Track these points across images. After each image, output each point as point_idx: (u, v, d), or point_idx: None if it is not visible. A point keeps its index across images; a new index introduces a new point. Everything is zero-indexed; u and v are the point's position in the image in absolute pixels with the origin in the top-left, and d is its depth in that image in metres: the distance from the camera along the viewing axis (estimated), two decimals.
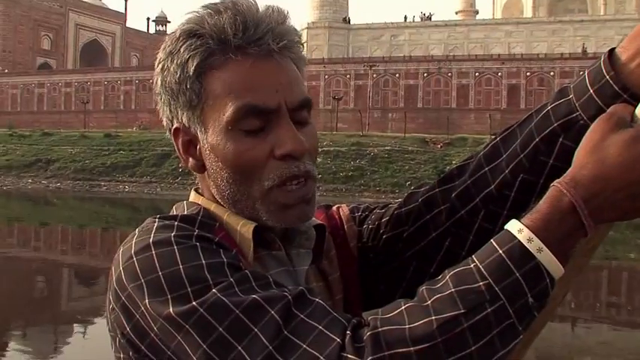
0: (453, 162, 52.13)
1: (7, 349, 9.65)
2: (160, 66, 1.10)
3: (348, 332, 0.88)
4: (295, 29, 1.13)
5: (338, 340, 0.88)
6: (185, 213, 1.10)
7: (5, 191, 48.10)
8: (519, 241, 0.89)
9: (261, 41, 1.07)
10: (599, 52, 77.12)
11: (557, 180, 0.92)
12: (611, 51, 1.02)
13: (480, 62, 73.61)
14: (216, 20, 1.06)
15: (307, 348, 0.88)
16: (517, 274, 0.87)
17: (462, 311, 0.86)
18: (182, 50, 1.07)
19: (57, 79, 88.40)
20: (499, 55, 77.87)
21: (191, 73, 1.06)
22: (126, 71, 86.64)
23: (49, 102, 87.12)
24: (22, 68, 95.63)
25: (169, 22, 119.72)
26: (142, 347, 0.98)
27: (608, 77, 1.00)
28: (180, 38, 1.08)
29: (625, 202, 0.90)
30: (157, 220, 1.05)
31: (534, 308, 0.89)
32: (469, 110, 71.14)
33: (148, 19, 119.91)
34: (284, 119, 1.07)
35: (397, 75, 74.58)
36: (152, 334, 0.96)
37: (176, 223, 1.03)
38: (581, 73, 1.06)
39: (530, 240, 0.88)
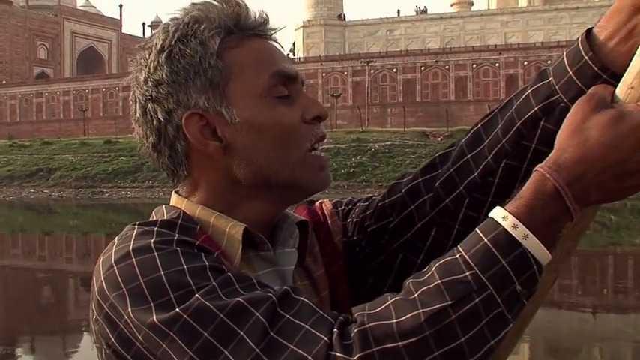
0: None
1: (16, 358, 9.66)
2: (167, 53, 1.06)
3: (335, 330, 0.87)
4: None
5: (325, 338, 0.86)
6: (165, 218, 1.07)
7: (8, 202, 48.14)
8: (504, 228, 0.87)
9: (263, 27, 1.11)
10: None
11: (540, 165, 0.90)
12: (589, 31, 1.01)
13: (477, 53, 73.72)
14: (222, 8, 1.08)
15: (295, 348, 0.86)
16: (503, 262, 0.86)
17: (450, 302, 0.85)
18: (199, 32, 1.06)
19: (55, 87, 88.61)
20: (496, 45, 78.04)
21: (215, 51, 1.05)
22: (123, 77, 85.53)
23: (48, 111, 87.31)
24: (20, 78, 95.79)
25: None
26: (128, 357, 0.96)
27: (587, 58, 0.99)
28: (191, 23, 1.06)
29: (609, 184, 0.89)
30: (136, 226, 1.03)
31: (523, 296, 0.87)
32: (468, 102, 71.22)
33: (144, 24, 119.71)
34: (302, 88, 1.12)
35: (394, 70, 74.68)
36: (137, 343, 0.94)
37: (155, 228, 1.01)
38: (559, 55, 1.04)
39: (515, 227, 0.87)
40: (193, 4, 1.10)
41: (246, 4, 1.10)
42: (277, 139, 1.07)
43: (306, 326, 0.88)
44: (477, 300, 0.85)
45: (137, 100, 1.09)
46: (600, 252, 17.92)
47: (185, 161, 1.09)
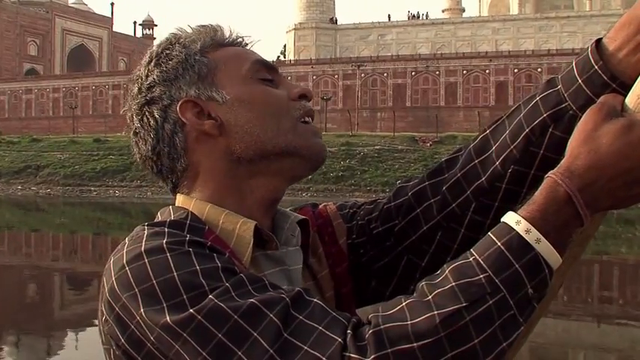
0: (443, 160, 52.13)
1: (0, 356, 9.62)
2: (155, 61, 1.15)
3: (349, 331, 0.88)
4: None
5: (339, 339, 0.87)
6: (172, 218, 1.08)
7: None
8: (517, 232, 0.89)
9: (240, 42, 1.21)
10: (585, 47, 77.29)
11: (552, 171, 0.92)
12: (599, 41, 1.04)
13: (467, 60, 73.89)
14: (199, 30, 1.19)
15: (309, 349, 0.87)
16: (516, 266, 0.88)
17: (464, 305, 0.86)
18: (180, 40, 1.16)
19: (45, 84, 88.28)
20: (486, 52, 78.24)
21: (198, 49, 1.15)
22: (114, 75, 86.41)
23: (37, 108, 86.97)
24: (9, 74, 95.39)
25: (156, 25, 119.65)
26: (139, 358, 0.97)
27: (596, 67, 1.02)
28: (172, 38, 1.18)
29: (619, 191, 0.91)
30: (146, 227, 1.04)
31: (534, 299, 0.89)
32: (458, 108, 71.37)
33: (135, 22, 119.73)
34: (284, 77, 1.21)
35: (385, 74, 74.75)
36: (149, 344, 0.95)
37: (166, 229, 1.02)
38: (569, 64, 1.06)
39: (528, 231, 0.89)
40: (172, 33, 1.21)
41: (220, 26, 1.20)
42: (267, 110, 1.14)
43: (320, 327, 0.89)
44: (491, 302, 0.86)
45: (133, 112, 1.16)
46: (587, 261, 17.98)
47: (183, 153, 1.13)
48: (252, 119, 1.13)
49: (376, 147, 55.40)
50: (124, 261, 0.98)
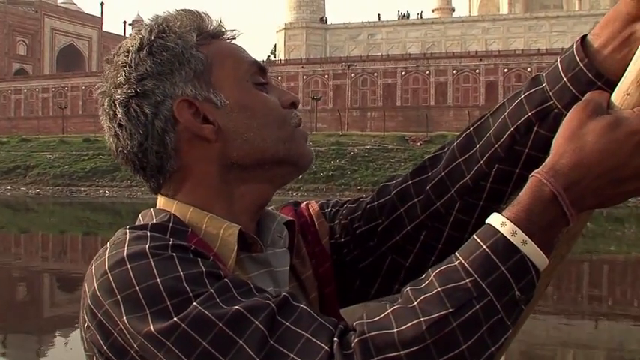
0: None
1: None
2: (148, 49, 1.08)
3: (335, 339, 0.87)
4: None
5: (326, 347, 0.86)
6: (154, 221, 1.05)
7: None
8: (503, 234, 0.88)
9: (225, 32, 1.16)
10: None
11: (537, 170, 0.91)
12: (584, 38, 1.02)
13: (457, 59, 74.01)
14: (186, 16, 1.13)
15: (295, 357, 0.86)
16: (503, 269, 0.86)
17: (450, 310, 0.85)
18: (174, 28, 1.10)
19: (34, 84, 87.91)
20: (476, 52, 78.41)
21: (194, 42, 1.09)
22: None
23: (27, 108, 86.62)
24: None
25: None
26: None
27: (581, 65, 1.00)
28: (164, 23, 1.11)
29: (606, 189, 0.90)
30: (128, 231, 1.01)
31: (521, 301, 0.88)
32: (448, 107, 71.47)
33: (125, 22, 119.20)
34: (272, 81, 1.17)
35: (375, 74, 74.78)
36: (132, 352, 0.93)
37: (149, 233, 0.99)
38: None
39: (513, 233, 0.87)
40: (157, 15, 1.14)
41: (206, 14, 1.15)
42: (267, 117, 1.10)
43: (307, 334, 0.87)
44: (478, 307, 0.85)
45: (116, 102, 1.08)
46: (576, 259, 18.03)
47: (174, 154, 1.08)
48: (253, 127, 1.09)
49: (366, 147, 55.44)
50: (106, 266, 0.95)
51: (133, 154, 1.10)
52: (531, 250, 0.87)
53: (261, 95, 1.12)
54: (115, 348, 0.95)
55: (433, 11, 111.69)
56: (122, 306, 0.92)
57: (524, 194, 0.90)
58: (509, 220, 0.88)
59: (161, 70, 1.07)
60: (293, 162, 1.13)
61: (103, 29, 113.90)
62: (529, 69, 69.50)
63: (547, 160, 0.91)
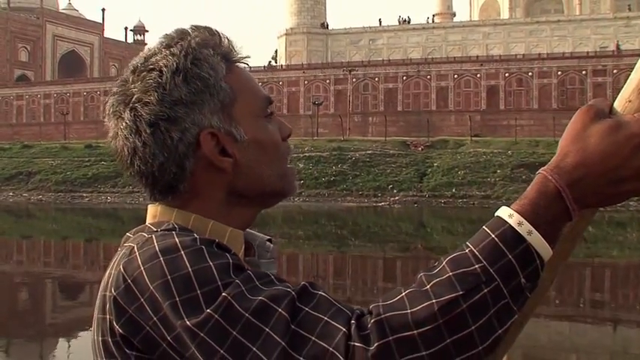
0: (435, 164, 52.30)
1: None
2: (183, 74, 1.12)
3: (352, 322, 0.92)
4: None
5: (344, 329, 0.92)
6: (162, 228, 1.10)
7: None
8: (510, 225, 0.94)
9: (237, 53, 1.21)
10: (576, 51, 77.61)
11: (543, 168, 0.97)
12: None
13: (458, 64, 73.93)
14: (211, 36, 1.18)
15: (316, 340, 0.92)
16: (510, 256, 0.92)
17: (461, 293, 0.91)
18: (209, 56, 1.14)
19: (36, 90, 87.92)
20: (477, 56, 78.29)
21: (223, 76, 1.15)
22: (105, 81, 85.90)
23: (29, 114, 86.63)
24: (0, 81, 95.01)
25: (147, 31, 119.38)
26: (154, 358, 1.02)
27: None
28: (200, 46, 1.15)
29: (606, 188, 0.95)
30: (150, 233, 1.08)
31: (527, 288, 0.94)
32: (449, 112, 71.39)
33: (126, 28, 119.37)
34: (274, 112, 1.24)
35: (376, 79, 74.75)
36: (164, 345, 0.99)
37: (173, 232, 1.06)
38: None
39: (520, 224, 0.94)
40: (182, 31, 1.18)
41: (224, 35, 1.21)
42: (275, 154, 1.19)
43: (326, 318, 0.94)
44: (486, 291, 0.91)
45: (142, 119, 1.11)
46: (579, 264, 18.02)
47: (189, 177, 1.14)
48: (262, 162, 1.17)
49: (368, 152, 55.40)
50: (139, 262, 1.01)
51: (150, 172, 1.14)
52: (536, 240, 0.93)
53: (271, 131, 1.19)
54: (146, 342, 1.00)
55: (434, 16, 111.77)
56: (158, 298, 0.98)
57: (530, 189, 0.97)
58: (517, 212, 0.95)
59: (194, 100, 1.12)
60: (284, 194, 1.22)
61: (105, 35, 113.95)
62: (530, 73, 69.54)
63: (553, 159, 0.97)
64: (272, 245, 1.28)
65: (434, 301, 0.91)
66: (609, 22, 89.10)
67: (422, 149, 56.11)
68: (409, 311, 0.91)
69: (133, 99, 1.12)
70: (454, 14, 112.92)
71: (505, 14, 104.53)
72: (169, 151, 1.12)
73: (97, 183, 54.97)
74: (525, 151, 52.19)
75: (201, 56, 1.14)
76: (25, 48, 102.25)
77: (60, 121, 77.51)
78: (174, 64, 1.12)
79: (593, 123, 0.96)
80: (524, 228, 0.93)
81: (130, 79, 1.14)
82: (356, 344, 0.90)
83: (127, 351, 1.03)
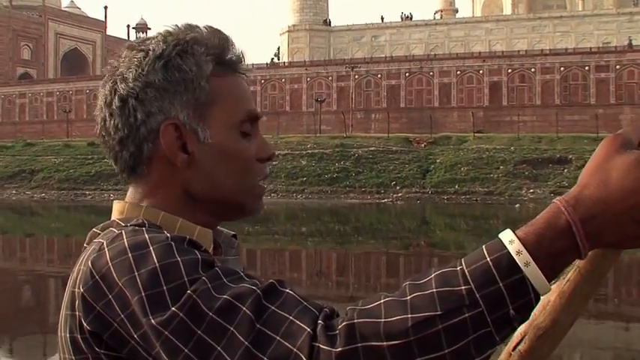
0: (437, 160, 52.29)
1: None
2: (164, 62, 1.12)
3: (319, 322, 0.89)
4: None
5: (308, 329, 0.88)
6: (132, 223, 1.09)
7: None
8: (508, 251, 0.87)
9: (241, 64, 1.20)
10: (578, 47, 77.51)
11: (560, 197, 0.90)
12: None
13: (461, 60, 73.88)
14: (216, 37, 1.17)
15: (280, 340, 0.89)
16: (500, 284, 0.86)
17: (439, 313, 0.86)
18: (197, 52, 1.13)
19: (38, 88, 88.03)
20: (480, 52, 78.18)
21: (207, 75, 1.13)
22: None
23: (31, 112, 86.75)
24: (3, 79, 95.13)
25: (150, 28, 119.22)
26: (122, 355, 1.00)
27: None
28: (191, 42, 1.14)
29: (626, 227, 0.88)
30: (120, 229, 1.06)
31: (515, 320, 0.88)
32: (452, 108, 71.38)
33: (129, 26, 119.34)
34: (258, 129, 1.21)
35: (379, 75, 74.71)
36: (132, 342, 0.97)
37: (143, 228, 1.05)
38: None
39: (519, 252, 0.87)
40: (189, 26, 1.18)
41: (232, 40, 1.19)
42: (238, 168, 1.16)
43: (291, 317, 0.90)
44: (467, 315, 0.86)
45: (118, 92, 1.14)
46: None
47: (146, 162, 1.15)
48: (221, 170, 1.15)
49: (371, 148, 55.41)
50: (107, 258, 1.00)
51: (112, 146, 1.16)
52: (533, 273, 0.87)
53: (241, 145, 1.16)
54: (115, 338, 0.99)
55: (436, 12, 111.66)
56: (126, 294, 0.96)
57: (540, 217, 0.90)
58: (519, 239, 0.88)
59: (167, 87, 1.12)
60: (244, 211, 1.19)
61: (107, 33, 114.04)
62: (533, 69, 69.46)
63: (572, 189, 0.90)
64: (237, 241, 1.27)
65: (409, 316, 0.86)
66: (612, 18, 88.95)
67: (425, 146, 56.07)
68: (383, 321, 0.87)
69: (117, 73, 1.15)
70: (456, 10, 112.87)
71: (507, 10, 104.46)
72: (131, 129, 1.13)
73: (99, 181, 55.05)
74: (528, 147, 52.14)
75: (189, 50, 1.13)
76: (28, 46, 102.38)
77: (62, 119, 77.61)
78: (161, 50, 1.13)
79: (619, 154, 0.88)
80: (522, 258, 0.87)
81: (123, 56, 1.16)
82: (321, 345, 0.87)
83: (96, 348, 1.01)
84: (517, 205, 41.52)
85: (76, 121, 79.29)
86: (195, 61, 1.13)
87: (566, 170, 47.85)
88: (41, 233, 29.87)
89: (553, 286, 0.97)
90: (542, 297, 0.90)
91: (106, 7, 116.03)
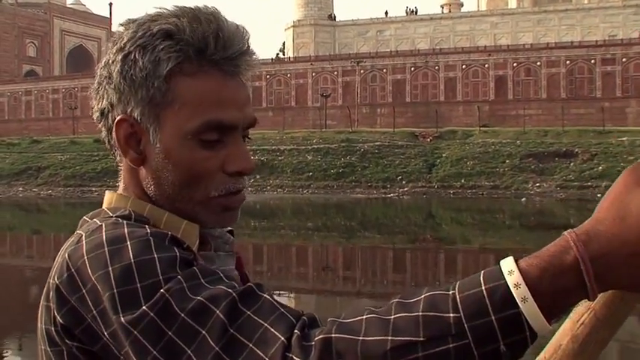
0: (443, 155, 52.25)
1: (3, 358, 9.63)
2: (124, 54, 1.06)
3: (296, 331, 0.84)
4: (254, 53, 1.13)
5: (283, 339, 0.84)
6: (118, 214, 1.05)
7: None
8: (506, 282, 0.79)
9: (235, 61, 1.08)
10: (584, 40, 77.32)
11: (571, 229, 0.81)
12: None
13: (466, 54, 73.79)
14: (197, 29, 1.05)
15: (253, 347, 0.84)
16: (492, 317, 0.79)
17: (421, 339, 0.79)
18: (158, 49, 1.04)
19: (44, 85, 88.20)
20: (485, 46, 78.11)
21: (163, 74, 1.04)
22: None
23: (37, 109, 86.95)
24: (8, 76, 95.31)
25: None
26: (94, 350, 0.97)
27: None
28: (157, 35, 1.05)
29: None
30: (99, 220, 1.03)
31: (506, 357, 0.80)
32: (457, 103, 71.32)
33: None
34: (238, 137, 1.10)
35: (384, 70, 74.67)
36: (104, 339, 0.94)
37: (124, 221, 1.01)
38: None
39: (517, 285, 0.79)
40: (177, 11, 1.07)
41: (223, 34, 1.07)
42: (186, 178, 1.07)
43: (266, 324, 0.86)
44: (451, 345, 0.79)
45: (103, 74, 1.10)
46: None
47: (116, 150, 1.12)
48: (168, 177, 1.08)
49: (376, 143, 55.37)
50: (84, 251, 0.96)
51: (94, 120, 1.14)
52: (530, 310, 0.78)
53: (198, 156, 1.06)
54: (87, 334, 0.96)
55: (441, 7, 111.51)
56: (99, 290, 0.92)
57: (547, 249, 0.81)
58: (519, 271, 0.80)
59: (122, 82, 1.06)
60: (199, 222, 1.10)
61: (112, 30, 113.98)
62: (538, 63, 69.32)
63: (586, 222, 0.82)
64: (232, 238, 1.21)
65: (389, 338, 0.80)
66: (618, 11, 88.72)
67: (430, 140, 56.03)
68: (361, 339, 0.81)
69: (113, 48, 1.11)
70: (462, 4, 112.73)
71: (513, 4, 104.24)
72: (101, 114, 1.11)
73: (106, 177, 55.04)
74: (534, 141, 52.05)
75: (150, 44, 1.05)
76: (33, 43, 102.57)
77: (68, 116, 77.72)
78: (125, 41, 1.07)
79: (638, 187, 0.80)
80: (521, 292, 0.78)
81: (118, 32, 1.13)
82: (294, 357, 0.82)
83: (68, 342, 0.98)
84: (523, 199, 41.51)
85: (82, 117, 79.23)
86: (152, 58, 1.04)
87: (572, 164, 47.81)
88: (48, 230, 29.93)
89: (566, 328, 0.91)
90: (553, 337, 0.83)
91: (110, 4, 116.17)
